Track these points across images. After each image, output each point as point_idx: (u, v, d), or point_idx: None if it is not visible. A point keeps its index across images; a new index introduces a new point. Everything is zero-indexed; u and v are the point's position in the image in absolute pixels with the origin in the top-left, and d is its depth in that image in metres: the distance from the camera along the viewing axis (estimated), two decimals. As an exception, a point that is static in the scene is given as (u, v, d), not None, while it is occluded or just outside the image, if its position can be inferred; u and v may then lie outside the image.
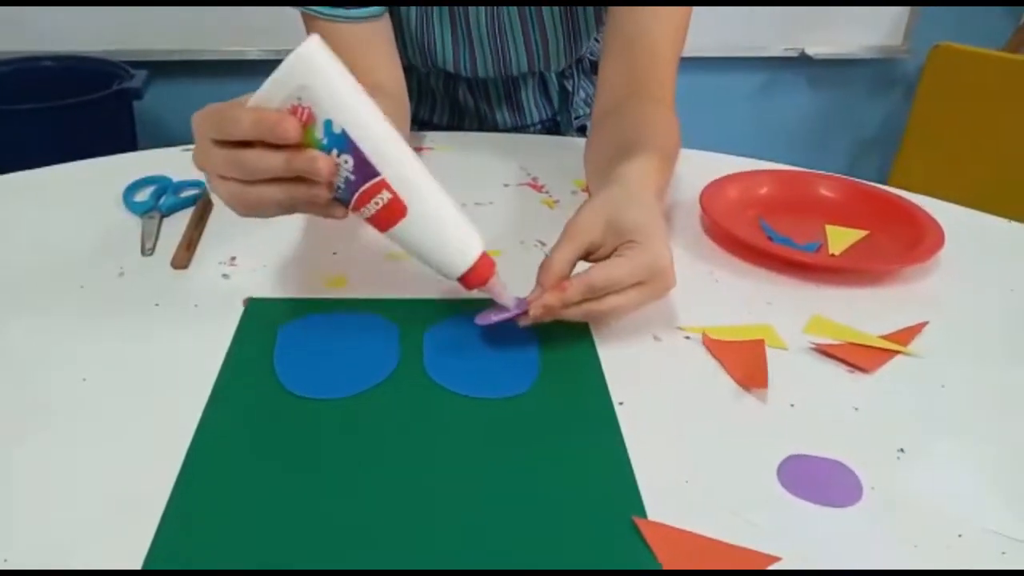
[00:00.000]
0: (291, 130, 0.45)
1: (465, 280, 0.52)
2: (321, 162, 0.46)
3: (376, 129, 0.48)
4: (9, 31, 1.81)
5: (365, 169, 0.48)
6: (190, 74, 1.94)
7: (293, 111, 0.46)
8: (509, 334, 0.55)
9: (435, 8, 0.82)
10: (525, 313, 0.52)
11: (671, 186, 0.79)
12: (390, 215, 0.49)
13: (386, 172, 0.48)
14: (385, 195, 0.48)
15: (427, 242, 0.51)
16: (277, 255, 0.66)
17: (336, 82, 0.47)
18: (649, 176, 0.59)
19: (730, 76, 2.14)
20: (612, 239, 0.53)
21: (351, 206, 0.50)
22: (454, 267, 0.51)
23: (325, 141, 0.47)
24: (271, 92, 0.46)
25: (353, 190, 0.48)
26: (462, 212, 0.51)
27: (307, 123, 0.46)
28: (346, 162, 0.47)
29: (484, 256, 0.52)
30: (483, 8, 0.82)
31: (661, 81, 0.73)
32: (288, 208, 0.50)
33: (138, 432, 0.47)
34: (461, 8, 0.82)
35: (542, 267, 0.52)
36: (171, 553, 0.40)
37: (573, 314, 0.52)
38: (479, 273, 0.51)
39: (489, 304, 0.54)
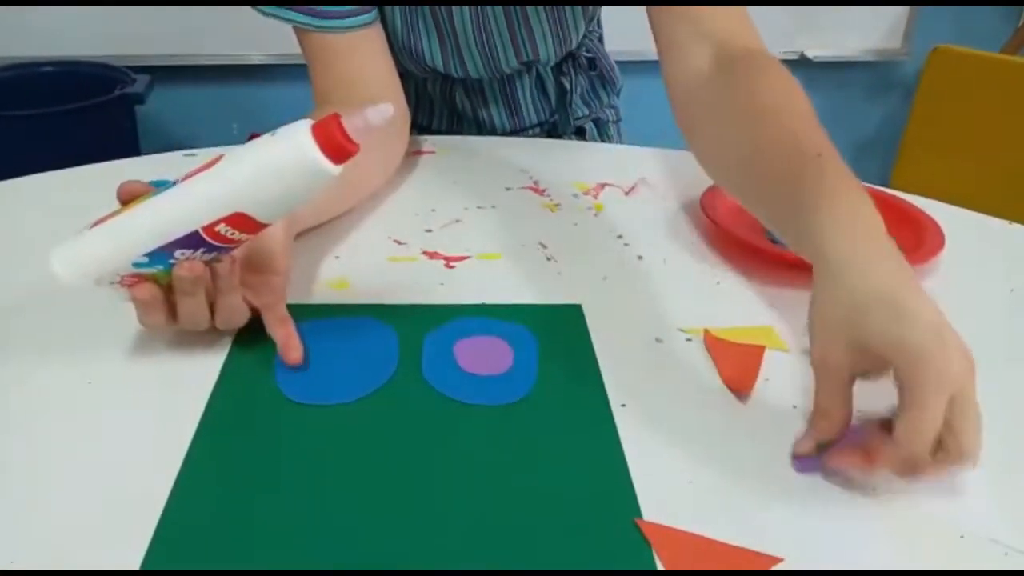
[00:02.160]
0: (145, 294, 0.49)
1: (329, 153, 0.44)
2: (183, 271, 0.48)
3: (158, 222, 0.47)
4: (10, 36, 1.81)
5: (191, 239, 0.47)
6: (192, 79, 1.94)
7: (124, 283, 0.49)
8: (508, 338, 0.56)
9: (419, 11, 0.83)
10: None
11: (674, 187, 0.80)
12: (244, 224, 0.47)
13: (195, 224, 0.46)
14: (222, 227, 0.46)
15: (275, 188, 0.46)
16: (280, 259, 0.66)
17: (100, 254, 0.48)
18: (861, 225, 0.46)
19: (730, 79, 2.14)
20: (879, 363, 0.42)
21: (236, 251, 0.50)
22: (307, 162, 0.44)
23: (159, 267, 0.48)
24: (103, 286, 0.49)
25: (216, 250, 0.48)
26: (267, 135, 0.46)
27: (139, 276, 0.48)
28: (183, 254, 0.47)
29: (317, 125, 0.44)
30: (467, 8, 0.82)
31: (746, 31, 0.66)
32: (248, 299, 0.53)
33: (139, 435, 0.48)
34: (444, 10, 0.82)
35: (819, 414, 0.44)
36: (168, 555, 0.40)
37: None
38: (328, 137, 0.44)
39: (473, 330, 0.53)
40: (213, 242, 0.47)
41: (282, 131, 0.45)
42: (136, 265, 0.48)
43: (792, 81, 0.61)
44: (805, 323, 0.59)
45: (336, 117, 0.44)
